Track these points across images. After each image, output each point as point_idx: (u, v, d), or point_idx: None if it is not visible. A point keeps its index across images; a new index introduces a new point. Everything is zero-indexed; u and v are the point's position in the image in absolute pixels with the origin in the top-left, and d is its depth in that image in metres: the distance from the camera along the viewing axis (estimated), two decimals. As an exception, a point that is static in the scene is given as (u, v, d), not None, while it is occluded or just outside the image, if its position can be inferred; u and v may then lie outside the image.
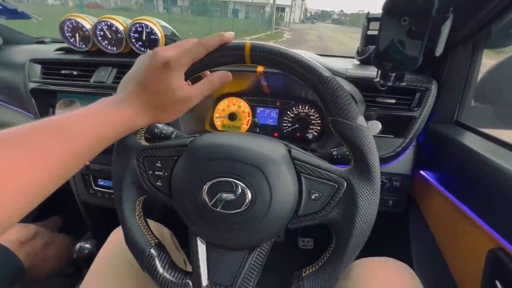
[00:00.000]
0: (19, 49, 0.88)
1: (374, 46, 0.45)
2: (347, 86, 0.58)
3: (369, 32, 0.46)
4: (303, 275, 0.37)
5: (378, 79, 0.49)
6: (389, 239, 0.72)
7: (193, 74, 0.38)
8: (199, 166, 0.35)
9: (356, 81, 0.59)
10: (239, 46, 0.35)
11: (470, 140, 0.50)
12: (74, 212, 0.89)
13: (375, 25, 0.45)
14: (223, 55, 0.36)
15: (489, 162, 0.42)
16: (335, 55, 0.90)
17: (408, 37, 0.42)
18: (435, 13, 0.40)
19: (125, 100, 0.33)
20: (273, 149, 0.36)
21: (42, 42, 0.97)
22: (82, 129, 0.29)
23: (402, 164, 0.62)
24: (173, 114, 0.36)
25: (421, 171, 0.61)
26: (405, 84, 0.50)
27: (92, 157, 0.31)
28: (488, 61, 0.65)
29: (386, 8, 0.42)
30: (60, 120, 0.28)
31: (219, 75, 0.38)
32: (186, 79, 0.37)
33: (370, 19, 0.45)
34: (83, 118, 0.30)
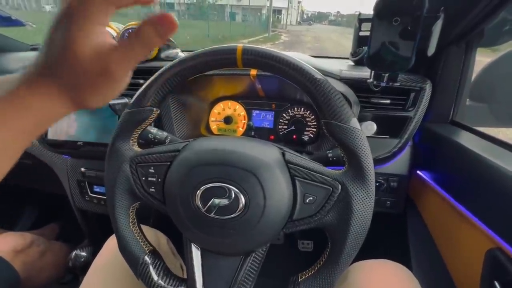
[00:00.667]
0: (14, 56, 0.88)
1: (367, 47, 0.45)
2: (341, 88, 0.58)
3: (361, 33, 0.46)
4: (299, 280, 0.36)
5: (371, 80, 0.49)
6: (387, 240, 0.72)
7: (186, 78, 0.38)
8: (192, 171, 0.35)
9: (351, 82, 0.59)
10: (231, 49, 0.35)
11: (465, 139, 0.50)
12: (71, 219, 0.89)
13: (367, 26, 0.45)
14: (215, 59, 0.36)
15: (484, 161, 0.42)
16: (330, 56, 0.90)
17: (400, 37, 0.42)
18: (426, 13, 0.40)
19: (27, 85, 0.23)
20: (266, 153, 0.36)
21: (37, 49, 0.97)
22: None
23: (399, 165, 0.61)
24: (97, 92, 0.25)
25: (418, 171, 0.60)
26: (398, 84, 0.50)
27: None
28: (484, 58, 0.65)
29: (377, 9, 0.42)
30: None
31: (158, 20, 0.23)
32: (179, 83, 0.36)
33: (361, 20, 0.45)
34: None
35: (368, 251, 0.44)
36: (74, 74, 0.23)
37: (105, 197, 0.77)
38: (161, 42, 0.23)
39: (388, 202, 0.63)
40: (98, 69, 0.23)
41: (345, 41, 16.30)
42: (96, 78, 0.23)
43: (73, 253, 0.74)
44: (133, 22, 0.70)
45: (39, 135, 0.25)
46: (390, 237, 0.72)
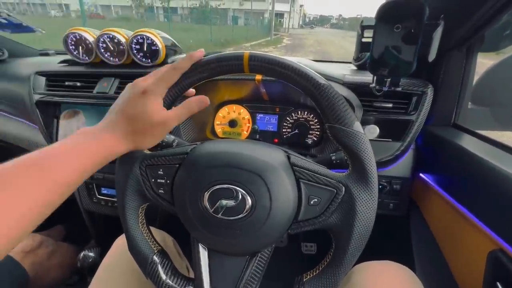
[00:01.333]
0: (24, 61, 0.91)
1: (369, 53, 0.46)
2: (345, 92, 0.59)
3: (363, 40, 0.47)
4: (304, 280, 0.37)
5: (374, 85, 0.50)
6: (391, 241, 0.72)
7: (194, 84, 0.39)
8: (200, 173, 0.36)
9: (353, 87, 0.60)
10: (238, 56, 0.36)
11: (467, 142, 0.51)
12: (78, 220, 0.90)
13: (369, 33, 0.46)
14: (222, 65, 0.37)
15: (486, 164, 0.43)
16: (333, 61, 0.91)
17: (401, 43, 0.43)
18: (426, 20, 0.41)
19: (104, 129, 0.34)
20: (272, 156, 0.37)
21: (46, 54, 1.00)
22: (59, 165, 0.30)
23: (402, 167, 0.62)
24: (152, 138, 0.37)
25: (421, 174, 0.61)
26: (400, 88, 0.51)
27: (73, 188, 0.32)
28: (488, 61, 0.65)
29: (379, 16, 0.43)
30: (38, 156, 0.29)
31: (197, 100, 0.39)
32: (182, 93, 0.39)
33: (364, 27, 0.47)
34: (61, 153, 0.30)
35: (371, 253, 0.45)
36: (144, 128, 0.35)
37: (112, 199, 0.79)
38: (197, 111, 0.39)
39: (391, 205, 0.64)
40: (162, 123, 0.36)
41: (347, 44, 16.33)
42: (157, 129, 0.36)
43: (82, 254, 0.76)
44: (140, 30, 0.72)
45: (98, 169, 0.34)
46: (393, 239, 0.72)
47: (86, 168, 0.32)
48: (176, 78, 0.37)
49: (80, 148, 0.32)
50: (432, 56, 0.45)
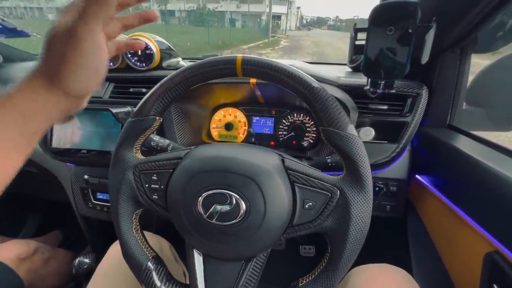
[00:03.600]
0: (19, 66, 0.90)
1: (363, 55, 0.47)
2: (339, 94, 0.59)
3: (357, 42, 0.47)
4: (300, 285, 0.37)
5: (368, 87, 0.50)
6: (387, 244, 0.72)
7: (188, 88, 0.39)
8: (194, 178, 0.36)
9: (348, 89, 0.60)
10: (231, 60, 0.36)
11: (462, 144, 0.51)
12: (74, 226, 0.89)
13: (362, 35, 0.46)
14: (215, 69, 0.37)
15: (481, 165, 0.43)
16: (328, 63, 0.91)
17: (394, 46, 0.43)
18: (419, 23, 0.41)
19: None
20: (266, 160, 0.37)
21: (42, 59, 0.99)
22: None
23: (398, 169, 0.62)
24: (69, 67, 0.26)
25: (417, 175, 0.61)
26: (395, 91, 0.51)
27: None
28: (482, 61, 0.66)
29: (372, 19, 0.43)
30: None
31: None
32: (181, 93, 0.38)
33: (357, 29, 0.47)
34: None
35: (368, 256, 0.45)
36: (49, 52, 0.26)
37: (107, 204, 0.78)
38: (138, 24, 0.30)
39: (388, 207, 0.64)
40: (66, 37, 0.25)
41: (344, 45, 16.39)
42: (65, 47, 0.26)
43: (77, 260, 0.75)
44: (134, 34, 0.71)
45: (36, 130, 0.29)
46: (390, 241, 0.72)
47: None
48: (110, 7, 0.26)
49: None
50: (425, 58, 0.45)
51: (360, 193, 0.35)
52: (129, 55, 0.71)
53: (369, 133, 0.57)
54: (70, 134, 0.72)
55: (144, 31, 0.74)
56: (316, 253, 0.96)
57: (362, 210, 0.34)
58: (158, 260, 0.41)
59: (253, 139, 0.78)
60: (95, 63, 0.28)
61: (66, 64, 0.26)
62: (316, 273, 0.37)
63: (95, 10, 0.25)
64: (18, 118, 0.27)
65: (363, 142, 0.35)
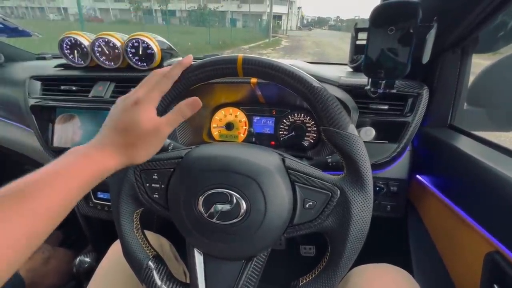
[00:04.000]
0: (20, 66, 0.90)
1: (364, 55, 0.47)
2: (340, 94, 0.59)
3: (357, 42, 0.47)
4: (300, 284, 0.37)
5: (369, 87, 0.50)
6: (388, 244, 0.72)
7: (189, 87, 0.39)
8: (194, 178, 0.36)
9: (349, 89, 0.60)
10: (231, 59, 0.36)
11: (463, 144, 0.51)
12: (74, 225, 0.89)
13: (363, 35, 0.46)
14: (216, 69, 0.37)
15: (482, 165, 0.43)
16: (329, 63, 0.91)
17: (395, 46, 0.43)
18: (420, 23, 0.41)
19: (94, 146, 0.33)
20: (267, 159, 0.37)
21: (43, 58, 0.99)
22: (40, 191, 0.27)
23: (399, 169, 0.62)
24: (146, 149, 0.35)
25: (417, 175, 0.61)
26: (395, 91, 0.51)
27: (61, 214, 0.29)
28: (483, 61, 0.66)
29: (372, 19, 0.43)
30: (20, 183, 0.27)
31: (188, 104, 0.36)
32: (182, 92, 0.38)
33: (358, 29, 0.47)
34: (43, 177, 0.28)
35: (369, 255, 0.45)
36: (137, 138, 0.33)
37: (108, 203, 0.78)
38: (190, 114, 0.36)
39: (388, 207, 0.63)
40: (152, 130, 0.34)
41: (345, 45, 16.37)
42: (150, 138, 0.34)
43: (78, 259, 0.75)
44: (135, 33, 0.71)
45: (92, 187, 0.32)
46: (391, 241, 0.72)
47: (72, 190, 0.29)
48: (169, 86, 0.36)
49: (66, 169, 0.30)
50: (426, 58, 0.45)
51: (361, 192, 0.35)
52: (130, 55, 0.71)
53: (369, 133, 0.57)
54: (71, 134, 0.72)
55: (145, 31, 0.74)
56: (316, 253, 0.96)
57: (362, 209, 0.34)
58: (158, 259, 0.41)
59: (253, 139, 0.78)
60: (160, 146, 0.37)
61: (146, 149, 0.35)
62: (317, 272, 0.37)
63: (180, 120, 0.36)
64: (89, 176, 0.31)
65: (364, 142, 0.35)
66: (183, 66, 0.37)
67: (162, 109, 0.40)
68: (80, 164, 0.31)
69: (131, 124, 0.33)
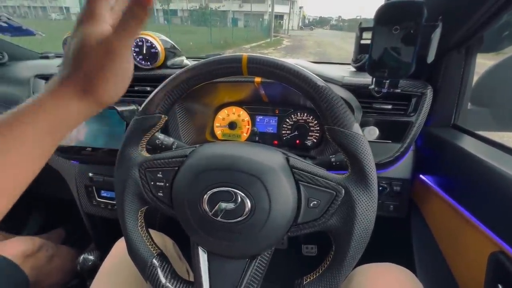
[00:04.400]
0: (24, 65, 0.91)
1: (368, 54, 0.46)
2: (344, 94, 0.59)
3: (362, 42, 0.47)
4: (304, 283, 0.37)
5: (373, 86, 0.50)
6: (391, 244, 0.72)
7: (193, 86, 0.39)
8: (199, 176, 0.36)
9: (353, 88, 0.60)
10: (236, 58, 0.37)
11: (467, 143, 0.51)
12: (78, 223, 0.90)
13: (367, 35, 0.46)
14: (221, 68, 0.37)
15: (486, 165, 0.42)
16: (332, 62, 0.91)
17: (400, 45, 0.43)
18: (425, 22, 0.41)
19: (48, 89, 0.27)
20: (271, 158, 0.37)
21: (46, 57, 1.00)
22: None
23: (402, 169, 0.62)
24: (107, 80, 0.28)
25: (421, 175, 0.61)
26: (399, 90, 0.51)
27: (37, 166, 0.28)
28: (488, 61, 0.65)
29: (377, 18, 0.43)
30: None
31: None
32: (186, 91, 0.38)
33: (362, 29, 0.47)
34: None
35: (372, 255, 0.45)
36: (85, 62, 0.27)
37: (112, 202, 0.79)
38: (143, 13, 0.26)
39: (391, 206, 0.63)
40: (103, 50, 0.26)
41: (347, 45, 16.35)
42: (103, 60, 0.27)
43: (81, 257, 0.76)
44: (140, 32, 0.72)
45: (62, 136, 0.29)
46: (394, 241, 0.72)
47: (32, 150, 0.27)
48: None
49: (18, 123, 0.26)
50: (431, 58, 0.45)
51: (365, 191, 0.35)
52: (134, 54, 0.72)
53: (373, 132, 0.57)
54: (75, 132, 0.73)
55: (146, 30, 0.74)
56: (318, 252, 0.96)
57: (367, 208, 0.34)
58: (163, 257, 0.41)
59: (256, 138, 0.78)
60: (126, 73, 0.30)
61: (102, 75, 0.28)
62: (321, 271, 0.37)
63: (134, 29, 0.27)
64: (48, 126, 0.27)
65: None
66: None
67: (167, 108, 0.40)
68: (31, 114, 0.26)
69: (79, 49, 0.27)
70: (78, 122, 0.30)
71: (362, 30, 0.47)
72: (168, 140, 0.52)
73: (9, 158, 0.26)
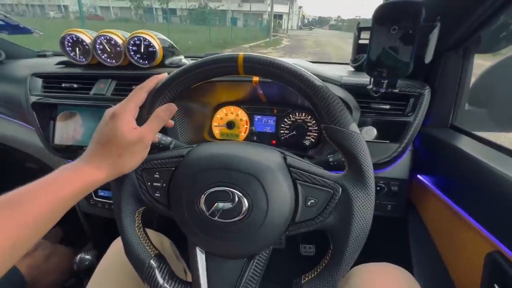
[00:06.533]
0: (21, 63, 0.90)
1: (366, 54, 0.46)
2: (342, 93, 0.59)
3: (360, 41, 0.47)
4: (302, 282, 0.37)
5: (371, 86, 0.50)
6: (389, 243, 0.72)
7: (190, 86, 0.39)
8: (196, 176, 0.36)
9: (351, 88, 0.60)
10: (232, 58, 0.36)
11: (465, 144, 0.51)
12: (75, 223, 0.90)
13: (366, 34, 0.46)
14: (217, 67, 0.37)
15: (483, 165, 0.43)
16: (330, 62, 0.91)
17: (398, 45, 0.43)
18: (423, 22, 0.41)
19: (82, 160, 0.35)
20: (268, 157, 0.37)
21: (44, 56, 0.99)
22: (29, 200, 0.29)
23: (399, 169, 0.62)
24: (131, 158, 0.36)
25: (418, 175, 0.61)
26: (397, 90, 0.51)
27: (52, 223, 0.32)
28: (485, 62, 0.66)
29: (375, 18, 0.43)
30: (14, 194, 0.29)
31: (165, 109, 0.38)
32: (183, 91, 0.38)
33: (360, 28, 0.47)
34: (32, 188, 0.30)
35: (369, 255, 0.45)
36: (120, 149, 0.35)
37: (109, 201, 0.78)
38: (168, 119, 0.39)
39: (389, 206, 0.64)
40: (136, 139, 0.36)
41: (346, 45, 16.37)
42: (134, 147, 0.36)
43: (78, 257, 0.75)
44: (137, 31, 0.71)
45: (81, 198, 0.34)
46: (391, 241, 0.72)
47: (59, 201, 0.31)
48: (144, 96, 0.38)
49: (55, 180, 0.32)
50: (428, 58, 0.45)
51: (362, 190, 0.35)
52: (132, 53, 0.71)
53: (371, 132, 0.57)
54: (72, 131, 0.72)
55: (145, 29, 0.74)
56: (316, 252, 0.96)
57: (364, 207, 0.34)
58: (160, 258, 0.41)
59: (254, 138, 0.78)
60: (146, 154, 0.39)
61: (132, 157, 0.37)
62: (319, 270, 0.37)
63: (160, 126, 0.38)
64: (79, 188, 0.33)
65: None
66: (158, 79, 0.39)
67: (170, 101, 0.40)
68: (69, 176, 0.33)
69: (111, 136, 0.35)
70: (97, 187, 0.35)
71: (360, 30, 0.47)
72: (166, 139, 0.52)
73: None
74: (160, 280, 0.38)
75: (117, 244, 0.54)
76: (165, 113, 0.38)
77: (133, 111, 0.37)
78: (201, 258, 0.39)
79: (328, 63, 0.91)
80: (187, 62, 0.77)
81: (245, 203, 0.34)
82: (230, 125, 0.79)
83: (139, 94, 0.38)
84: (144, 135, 0.36)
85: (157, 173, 0.39)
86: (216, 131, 0.81)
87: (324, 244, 0.37)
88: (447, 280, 0.50)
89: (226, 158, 0.36)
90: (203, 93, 0.73)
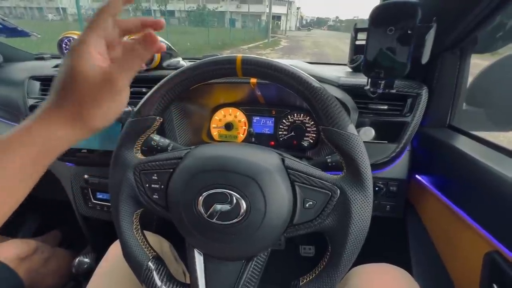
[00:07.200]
0: (19, 66, 0.90)
1: (363, 55, 0.47)
2: (340, 94, 0.59)
3: (357, 42, 0.48)
4: (300, 284, 0.37)
5: (368, 87, 0.50)
6: (387, 244, 0.72)
7: (188, 87, 0.39)
8: (194, 178, 0.36)
9: (349, 89, 0.60)
10: (230, 59, 0.36)
11: (462, 144, 0.51)
12: (74, 226, 0.89)
13: (363, 35, 0.46)
14: (215, 69, 0.37)
15: (481, 165, 0.43)
16: (328, 63, 0.91)
17: (394, 46, 0.43)
18: (419, 23, 0.41)
19: (37, 116, 0.27)
20: (266, 159, 0.37)
21: (42, 59, 0.99)
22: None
23: (398, 169, 0.62)
24: (100, 107, 0.28)
25: (417, 176, 0.61)
26: (395, 90, 0.51)
27: (20, 195, 0.28)
28: (482, 62, 0.66)
29: (372, 19, 0.43)
30: None
31: (142, 39, 0.28)
32: (181, 92, 0.37)
33: (357, 29, 0.47)
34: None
35: (368, 255, 0.45)
36: (83, 94, 0.27)
37: (107, 204, 0.78)
38: (148, 56, 0.29)
39: (387, 206, 0.64)
40: (100, 80, 0.26)
41: (344, 46, 16.41)
42: (99, 90, 0.27)
43: (77, 260, 0.75)
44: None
45: (49, 162, 0.29)
46: (390, 241, 0.72)
47: (16, 177, 0.26)
48: (104, 21, 0.27)
49: (4, 150, 0.26)
50: (425, 58, 0.45)
51: (360, 192, 0.35)
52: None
53: (369, 133, 0.57)
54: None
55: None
56: (315, 253, 0.96)
57: (362, 208, 0.34)
58: (158, 260, 0.41)
59: (253, 139, 0.78)
60: (121, 103, 0.30)
61: (96, 104, 0.27)
62: (317, 272, 0.37)
63: (137, 66, 0.28)
64: (35, 152, 0.27)
65: (363, 142, 0.35)
66: None
67: (161, 109, 0.40)
68: (19, 142, 0.26)
69: (67, 78, 0.26)
70: (65, 148, 0.29)
71: (357, 30, 0.47)
72: (164, 141, 0.52)
73: None
74: (158, 282, 0.38)
75: (115, 247, 0.54)
76: (142, 45, 0.28)
77: (96, 42, 0.27)
78: (199, 260, 0.38)
79: (326, 64, 0.91)
80: (185, 64, 0.77)
81: (243, 205, 0.34)
82: (229, 126, 0.79)
83: (102, 18, 0.27)
84: (112, 75, 0.27)
85: (155, 175, 0.39)
86: (215, 133, 0.81)
87: (323, 245, 0.37)
88: (446, 280, 0.50)
89: (224, 160, 0.36)
90: (201, 95, 0.73)
